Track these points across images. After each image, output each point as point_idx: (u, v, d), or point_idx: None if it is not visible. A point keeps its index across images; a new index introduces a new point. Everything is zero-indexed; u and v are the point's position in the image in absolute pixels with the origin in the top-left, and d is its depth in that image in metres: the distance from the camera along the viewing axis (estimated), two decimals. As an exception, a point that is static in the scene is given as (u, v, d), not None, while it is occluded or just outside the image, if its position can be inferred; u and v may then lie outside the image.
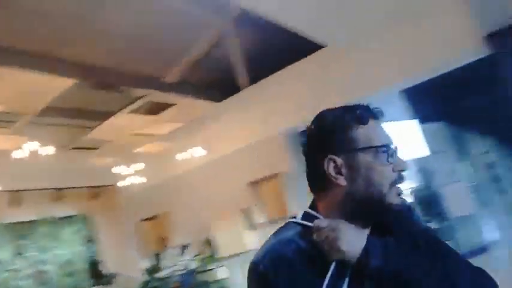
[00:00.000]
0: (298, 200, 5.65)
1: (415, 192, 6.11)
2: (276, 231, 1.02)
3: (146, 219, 7.87)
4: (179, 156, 6.62)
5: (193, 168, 6.75)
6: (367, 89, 5.14)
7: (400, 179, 0.95)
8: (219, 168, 6.49)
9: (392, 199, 0.93)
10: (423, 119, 6.62)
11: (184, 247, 6.39)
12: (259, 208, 5.99)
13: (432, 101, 6.62)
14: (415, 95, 6.32)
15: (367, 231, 0.95)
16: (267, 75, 6.11)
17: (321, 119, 1.01)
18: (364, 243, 0.88)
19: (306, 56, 5.64)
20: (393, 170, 0.94)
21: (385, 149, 0.94)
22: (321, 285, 0.86)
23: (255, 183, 6.06)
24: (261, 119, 6.13)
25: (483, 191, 7.23)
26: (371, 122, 0.96)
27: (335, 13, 4.41)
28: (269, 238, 1.00)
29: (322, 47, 5.34)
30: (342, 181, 0.94)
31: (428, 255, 0.92)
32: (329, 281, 0.87)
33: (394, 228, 0.97)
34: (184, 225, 6.94)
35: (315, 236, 0.91)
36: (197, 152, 6.43)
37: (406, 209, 0.99)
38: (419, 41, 4.57)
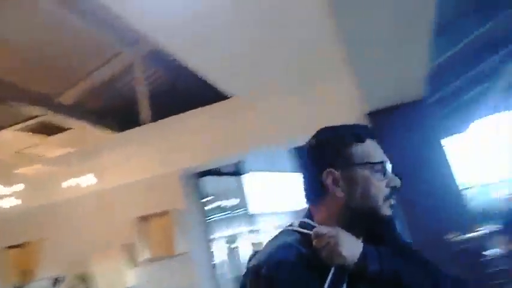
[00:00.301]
0: (187, 239, 5.78)
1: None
2: (274, 238, 1.07)
3: (12, 246, 7.07)
4: (65, 182, 6.28)
5: (79, 196, 6.43)
6: (261, 141, 5.68)
7: (392, 193, 1.02)
8: (107, 200, 6.30)
9: (385, 211, 1.01)
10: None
11: (56, 280, 5.91)
12: (144, 245, 5.93)
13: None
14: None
15: (361, 240, 1.01)
16: (170, 115, 6.30)
17: (322, 134, 1.08)
18: (361, 249, 0.96)
19: (212, 103, 6.01)
20: (386, 186, 1.02)
21: (381, 166, 1.02)
22: (320, 286, 0.91)
23: (144, 219, 6.02)
24: (158, 156, 6.22)
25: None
26: (368, 141, 1.05)
27: (245, 67, 4.78)
28: (267, 243, 1.05)
29: (229, 97, 5.77)
30: (339, 193, 1.01)
31: (416, 262, 1.01)
32: (329, 285, 0.91)
33: (384, 238, 1.04)
34: (58, 255, 6.43)
35: (315, 242, 0.96)
36: (87, 180, 6.20)
37: (393, 221, 1.08)
38: (312, 105, 5.25)
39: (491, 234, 4.50)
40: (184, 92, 6.82)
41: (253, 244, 8.47)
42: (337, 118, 5.06)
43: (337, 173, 1.02)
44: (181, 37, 3.88)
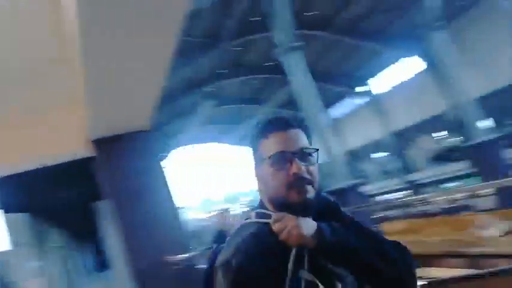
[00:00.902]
0: None
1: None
2: (236, 232, 1.13)
3: None
4: None
5: None
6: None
7: (298, 180, 1.06)
8: None
9: (293, 198, 1.06)
10: (8, 209, 6.34)
11: None
12: None
13: (20, 192, 6.54)
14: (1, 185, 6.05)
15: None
16: None
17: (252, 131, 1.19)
18: (316, 225, 1.04)
19: None
20: (288, 174, 1.06)
21: (279, 156, 1.08)
22: (286, 269, 1.00)
23: None
24: None
25: (58, 284, 7.45)
26: (273, 135, 1.10)
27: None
28: (231, 238, 1.11)
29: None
30: (261, 186, 1.15)
31: (360, 232, 1.10)
32: (293, 264, 1.00)
33: (327, 216, 1.12)
34: None
35: (275, 228, 1.04)
36: None
37: (329, 201, 1.19)
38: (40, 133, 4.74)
39: (202, 253, 5.14)
40: None
41: None
42: (64, 145, 4.75)
43: (256, 170, 1.16)
44: None
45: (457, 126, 16.59)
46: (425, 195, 18.64)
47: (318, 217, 1.09)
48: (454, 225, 3.49)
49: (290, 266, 1.00)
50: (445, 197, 16.06)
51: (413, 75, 19.73)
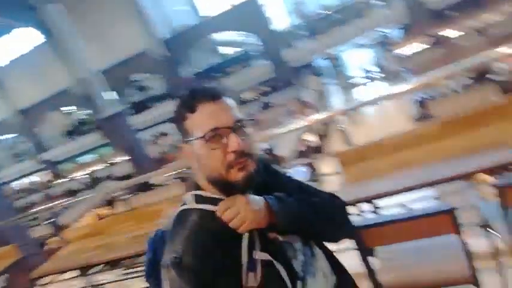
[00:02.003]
0: None
1: None
2: (177, 221, 1.02)
3: None
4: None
5: None
6: None
7: (238, 157, 0.95)
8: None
9: (235, 176, 0.96)
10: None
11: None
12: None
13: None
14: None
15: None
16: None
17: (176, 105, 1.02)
18: (264, 204, 0.97)
19: None
20: (225, 152, 0.95)
21: (213, 133, 0.94)
22: (240, 253, 0.94)
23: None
24: None
25: None
26: (201, 107, 0.96)
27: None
28: (174, 229, 1.01)
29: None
30: (194, 165, 1.01)
31: (304, 195, 1.05)
32: (248, 248, 0.94)
33: (270, 185, 1.03)
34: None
35: (225, 217, 0.95)
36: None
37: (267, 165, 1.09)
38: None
39: None
40: None
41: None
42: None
43: (185, 148, 1.01)
44: None
45: (84, 99, 16.98)
46: (63, 173, 18.36)
47: (260, 185, 1.03)
48: (140, 218, 3.19)
49: (244, 250, 0.95)
50: (84, 171, 16.44)
51: (32, 48, 18.33)
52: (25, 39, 18.21)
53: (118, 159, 14.38)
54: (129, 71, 17.39)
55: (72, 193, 13.56)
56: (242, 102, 13.95)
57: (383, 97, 2.49)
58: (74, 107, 19.41)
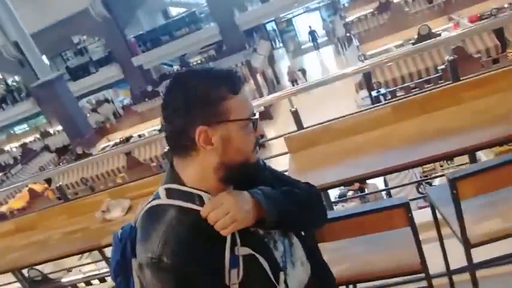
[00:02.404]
0: None
1: None
2: (151, 218, 0.94)
3: None
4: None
5: None
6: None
7: (258, 140, 0.98)
8: None
9: (254, 158, 0.97)
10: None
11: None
12: None
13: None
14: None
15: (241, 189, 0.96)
16: None
17: (189, 87, 0.91)
18: (251, 200, 0.92)
19: None
20: (256, 136, 0.96)
21: (253, 119, 0.95)
22: (223, 250, 0.89)
23: None
24: None
25: None
26: (242, 90, 0.95)
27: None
28: (148, 226, 0.93)
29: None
30: (214, 151, 0.91)
31: (285, 186, 1.05)
32: (230, 246, 0.90)
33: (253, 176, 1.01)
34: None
35: (211, 219, 0.89)
36: None
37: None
38: None
39: None
40: None
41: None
42: None
43: (210, 131, 0.90)
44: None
45: (16, 64, 15.58)
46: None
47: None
48: (74, 212, 2.85)
49: (227, 248, 0.89)
50: (18, 143, 15.26)
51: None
52: None
53: (53, 129, 13.45)
54: (67, 33, 16.04)
55: (1, 168, 12.51)
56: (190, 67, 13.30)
57: (334, 78, 2.28)
58: (5, 73, 17.82)
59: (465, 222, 1.38)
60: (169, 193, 0.95)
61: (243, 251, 0.91)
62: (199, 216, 0.89)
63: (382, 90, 5.79)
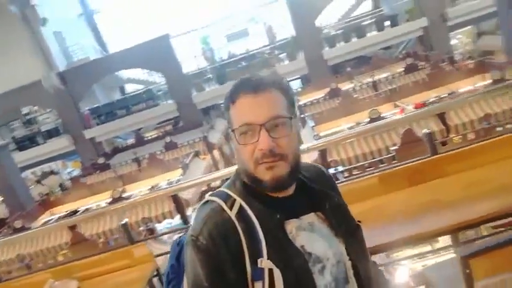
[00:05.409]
0: None
1: None
2: (201, 207, 1.03)
3: None
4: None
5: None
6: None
7: (265, 156, 0.93)
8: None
9: (263, 175, 0.96)
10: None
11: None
12: None
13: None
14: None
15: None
16: None
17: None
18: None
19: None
20: (254, 149, 0.95)
21: (245, 129, 0.94)
22: (243, 258, 0.94)
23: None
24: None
25: None
26: (241, 99, 0.94)
27: None
28: (197, 214, 1.02)
29: None
30: (234, 159, 1.18)
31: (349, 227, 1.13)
32: (251, 255, 0.93)
33: (317, 183, 1.07)
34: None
35: None
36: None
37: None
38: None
39: None
40: None
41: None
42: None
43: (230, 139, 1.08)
44: None
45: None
46: None
47: (305, 185, 1.03)
48: None
49: (247, 257, 0.91)
50: None
51: None
52: None
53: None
54: (17, 103, 15.57)
55: None
56: (146, 142, 13.17)
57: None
58: None
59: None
60: (219, 191, 1.05)
61: (267, 264, 0.92)
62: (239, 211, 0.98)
63: (340, 168, 5.96)
